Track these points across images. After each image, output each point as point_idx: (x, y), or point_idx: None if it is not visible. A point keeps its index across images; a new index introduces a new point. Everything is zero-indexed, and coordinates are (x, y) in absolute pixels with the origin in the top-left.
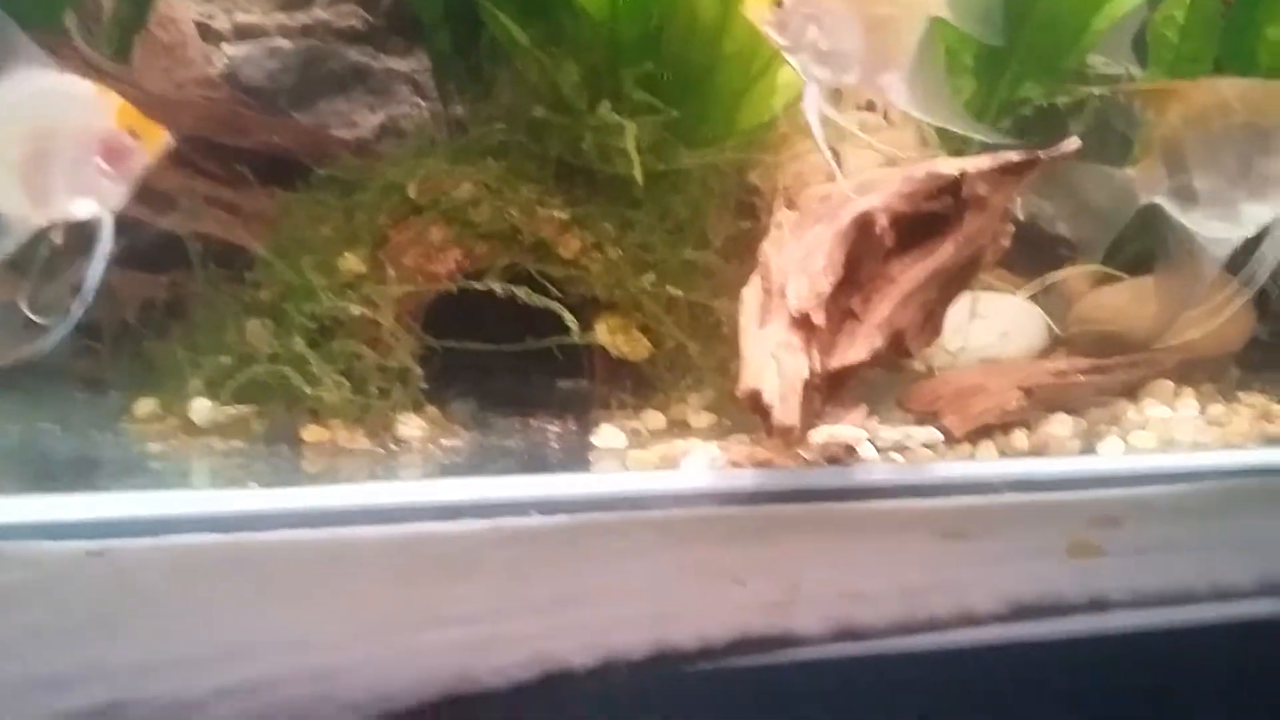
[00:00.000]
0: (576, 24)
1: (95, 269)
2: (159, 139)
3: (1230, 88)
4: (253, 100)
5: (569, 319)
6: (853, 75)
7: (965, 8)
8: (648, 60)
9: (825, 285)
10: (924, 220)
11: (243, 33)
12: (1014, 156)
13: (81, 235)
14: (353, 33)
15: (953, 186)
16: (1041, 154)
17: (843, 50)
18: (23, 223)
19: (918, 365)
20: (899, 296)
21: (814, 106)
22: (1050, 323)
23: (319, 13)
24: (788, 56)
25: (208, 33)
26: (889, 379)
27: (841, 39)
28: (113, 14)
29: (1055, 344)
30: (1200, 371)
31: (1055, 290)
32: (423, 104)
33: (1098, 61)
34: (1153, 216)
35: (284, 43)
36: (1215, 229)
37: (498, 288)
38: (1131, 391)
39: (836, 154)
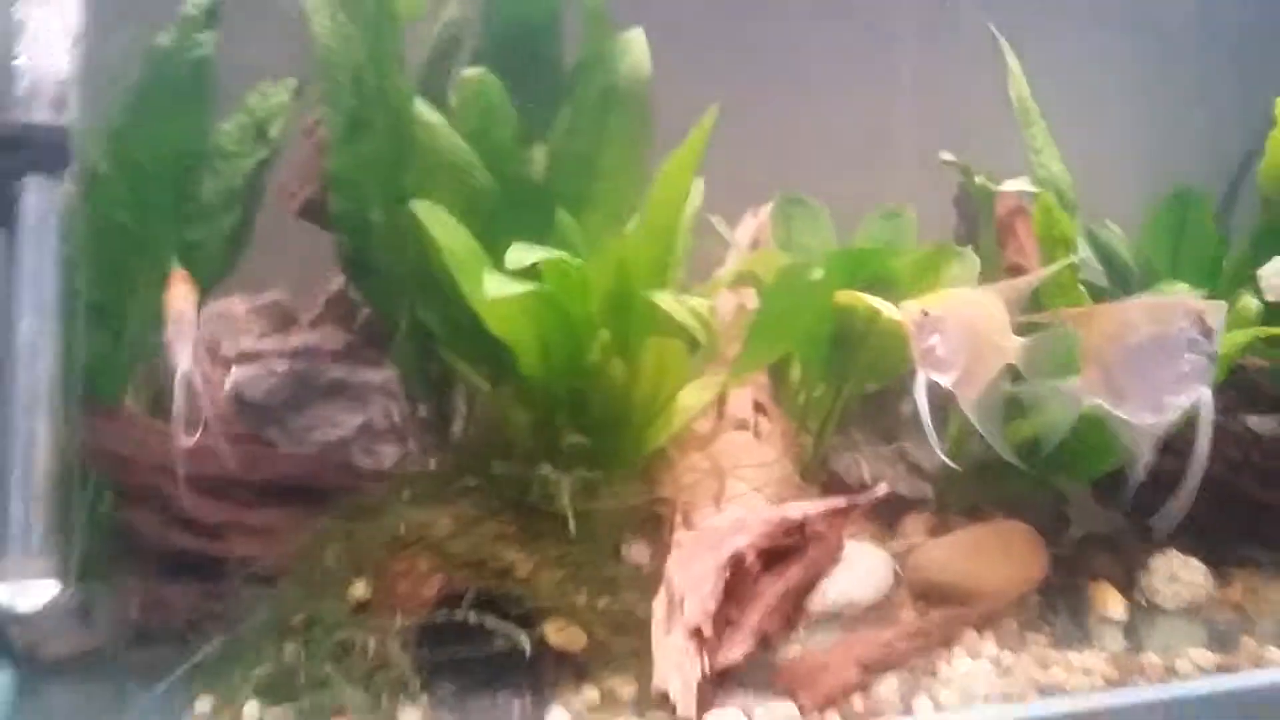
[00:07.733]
0: (520, 377)
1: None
2: None
3: (1131, 309)
4: (253, 413)
5: (521, 635)
6: (948, 379)
7: (1033, 365)
8: (578, 410)
9: (712, 604)
10: (781, 550)
11: (245, 358)
12: (840, 503)
13: None
14: (334, 353)
15: (799, 527)
16: (860, 500)
17: (950, 360)
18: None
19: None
20: (764, 608)
21: (921, 390)
22: (898, 568)
23: (306, 336)
24: (914, 351)
25: (216, 358)
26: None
27: (952, 352)
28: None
29: (899, 585)
30: (1004, 612)
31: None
32: (393, 408)
33: None
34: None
35: (280, 364)
36: (1146, 418)
37: (471, 616)
38: (949, 643)
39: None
